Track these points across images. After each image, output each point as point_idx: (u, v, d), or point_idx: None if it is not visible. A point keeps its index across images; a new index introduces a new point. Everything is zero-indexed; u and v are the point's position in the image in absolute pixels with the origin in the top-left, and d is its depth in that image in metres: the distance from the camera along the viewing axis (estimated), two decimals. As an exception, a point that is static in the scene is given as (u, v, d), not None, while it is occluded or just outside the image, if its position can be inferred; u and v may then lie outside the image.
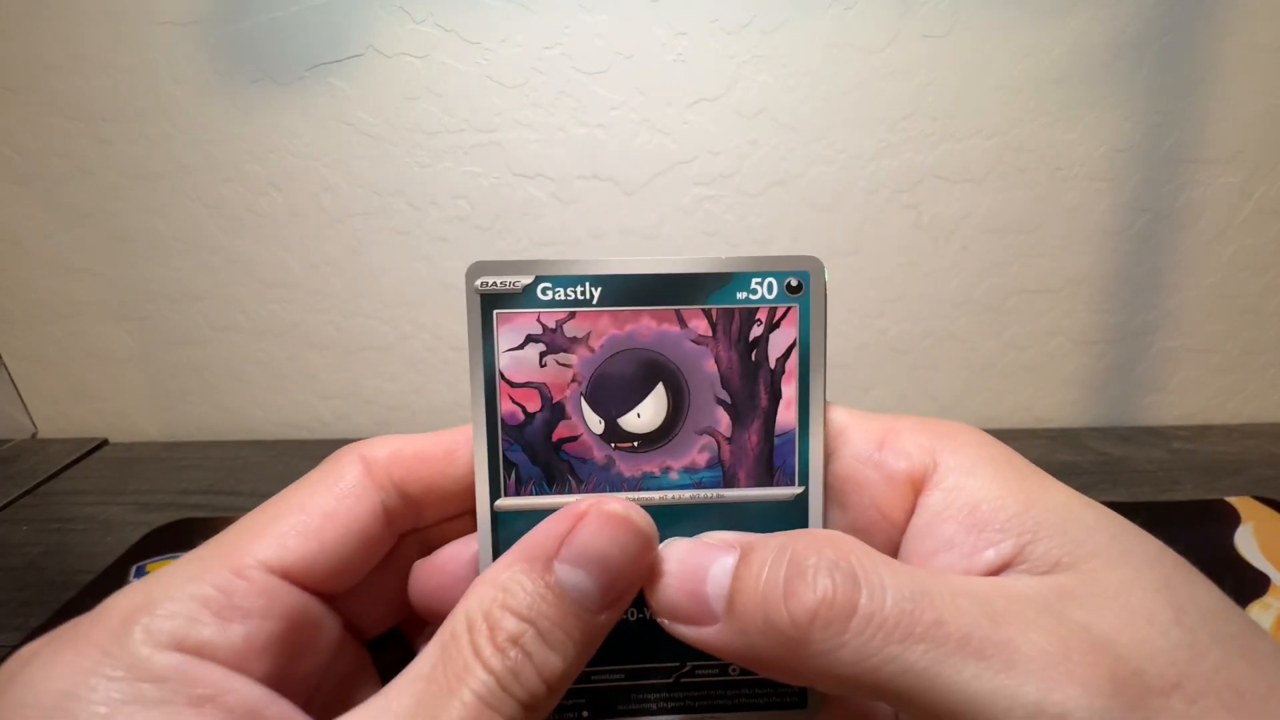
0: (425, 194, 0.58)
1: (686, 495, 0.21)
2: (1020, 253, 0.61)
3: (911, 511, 0.20)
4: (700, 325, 0.20)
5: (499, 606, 0.17)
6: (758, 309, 0.20)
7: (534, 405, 0.20)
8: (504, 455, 0.20)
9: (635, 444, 0.20)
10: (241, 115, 0.56)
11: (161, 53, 0.55)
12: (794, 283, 0.20)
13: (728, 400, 0.21)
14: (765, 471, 0.21)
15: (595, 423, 0.20)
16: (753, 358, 0.20)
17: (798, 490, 0.21)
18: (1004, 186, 0.59)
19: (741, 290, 0.20)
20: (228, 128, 0.57)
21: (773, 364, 0.21)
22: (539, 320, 0.20)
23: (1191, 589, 0.17)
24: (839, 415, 0.21)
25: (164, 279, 0.61)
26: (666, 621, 0.19)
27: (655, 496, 0.21)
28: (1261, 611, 0.41)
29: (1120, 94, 0.57)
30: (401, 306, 0.61)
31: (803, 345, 0.20)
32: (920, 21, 0.55)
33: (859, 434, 0.21)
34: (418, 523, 0.22)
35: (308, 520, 0.19)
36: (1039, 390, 0.65)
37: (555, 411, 0.20)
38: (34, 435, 0.66)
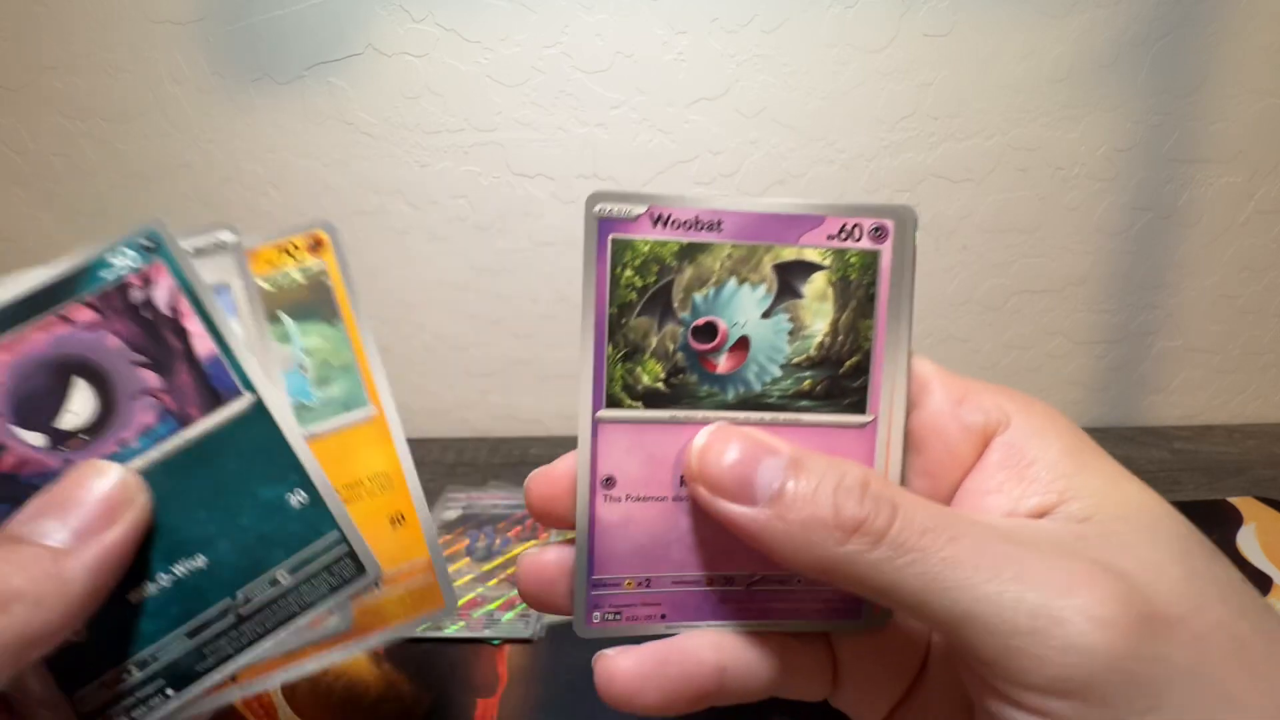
0: (425, 194, 0.58)
1: (155, 454, 0.22)
2: (1021, 253, 0.61)
3: (978, 459, 0.22)
4: (85, 315, 0.21)
5: None
6: (127, 278, 0.22)
7: None
8: None
9: (85, 437, 0.21)
10: (241, 114, 0.56)
11: (161, 52, 0.55)
12: (148, 243, 0.22)
13: (145, 360, 0.22)
14: (210, 398, 0.22)
15: (37, 439, 0.21)
16: (150, 316, 0.22)
17: (250, 398, 0.22)
18: (1005, 186, 0.59)
19: (104, 270, 0.22)
20: (227, 127, 0.57)
21: (167, 311, 0.22)
22: None
23: (1208, 563, 0.18)
24: (924, 368, 0.23)
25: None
26: (703, 490, 0.20)
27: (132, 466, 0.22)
28: (1263, 612, 0.41)
29: (1121, 94, 0.57)
30: (401, 306, 0.61)
31: (185, 286, 0.22)
32: (921, 21, 0.55)
33: (941, 389, 0.22)
34: None
35: None
36: (1040, 390, 0.65)
37: None
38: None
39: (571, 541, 0.22)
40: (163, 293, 0.22)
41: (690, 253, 0.21)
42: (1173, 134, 0.58)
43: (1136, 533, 0.18)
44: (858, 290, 0.22)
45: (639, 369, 0.22)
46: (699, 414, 0.22)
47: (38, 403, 0.21)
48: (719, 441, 0.21)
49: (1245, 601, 0.17)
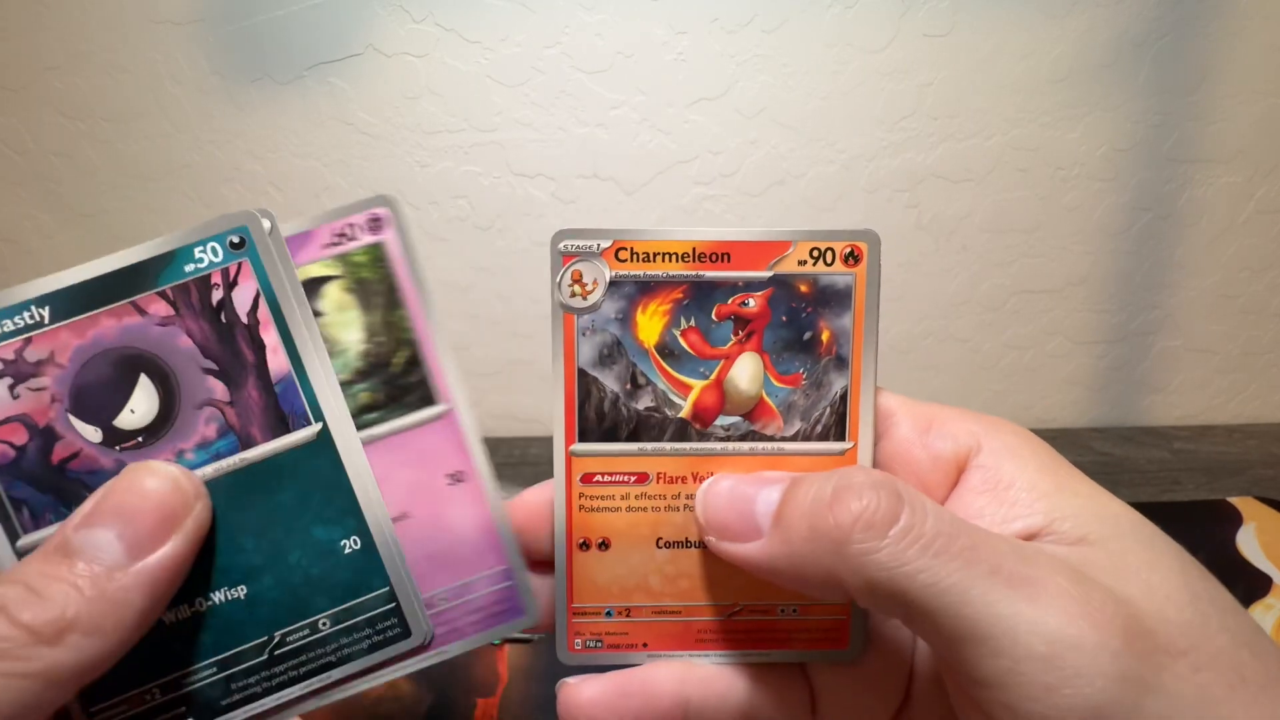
0: (425, 194, 0.58)
1: (209, 470, 0.20)
2: (1021, 253, 0.61)
3: (952, 489, 0.21)
4: (160, 308, 0.20)
5: None
6: (210, 274, 0.20)
7: (20, 438, 0.20)
8: (7, 496, 0.20)
9: (140, 439, 0.20)
10: (241, 115, 0.56)
11: (161, 52, 0.55)
12: (236, 239, 0.21)
13: (214, 367, 0.21)
14: (277, 421, 0.21)
15: (91, 433, 0.20)
16: (224, 319, 0.21)
17: (316, 428, 0.21)
18: (1005, 186, 0.59)
19: (188, 263, 0.20)
20: (228, 127, 0.57)
21: (245, 319, 0.21)
22: None
23: (1206, 583, 0.18)
24: (888, 400, 0.22)
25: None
26: (713, 539, 0.20)
27: None
28: (1264, 613, 0.41)
29: (1121, 94, 0.57)
30: (401, 306, 0.61)
31: (267, 293, 0.21)
32: (921, 21, 0.55)
33: (908, 418, 0.22)
34: None
35: None
36: (1040, 390, 0.65)
37: (46, 435, 0.20)
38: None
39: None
40: (244, 296, 0.21)
41: None
42: (1173, 134, 0.58)
43: (1136, 555, 0.18)
44: (377, 287, 0.21)
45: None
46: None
47: (99, 395, 0.20)
48: (717, 486, 0.21)
49: (1244, 626, 0.17)
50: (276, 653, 0.21)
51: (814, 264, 0.21)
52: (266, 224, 0.21)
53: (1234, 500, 0.50)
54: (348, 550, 0.21)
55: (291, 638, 0.21)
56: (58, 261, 0.62)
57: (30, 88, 0.55)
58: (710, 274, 0.21)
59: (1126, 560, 0.18)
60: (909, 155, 0.58)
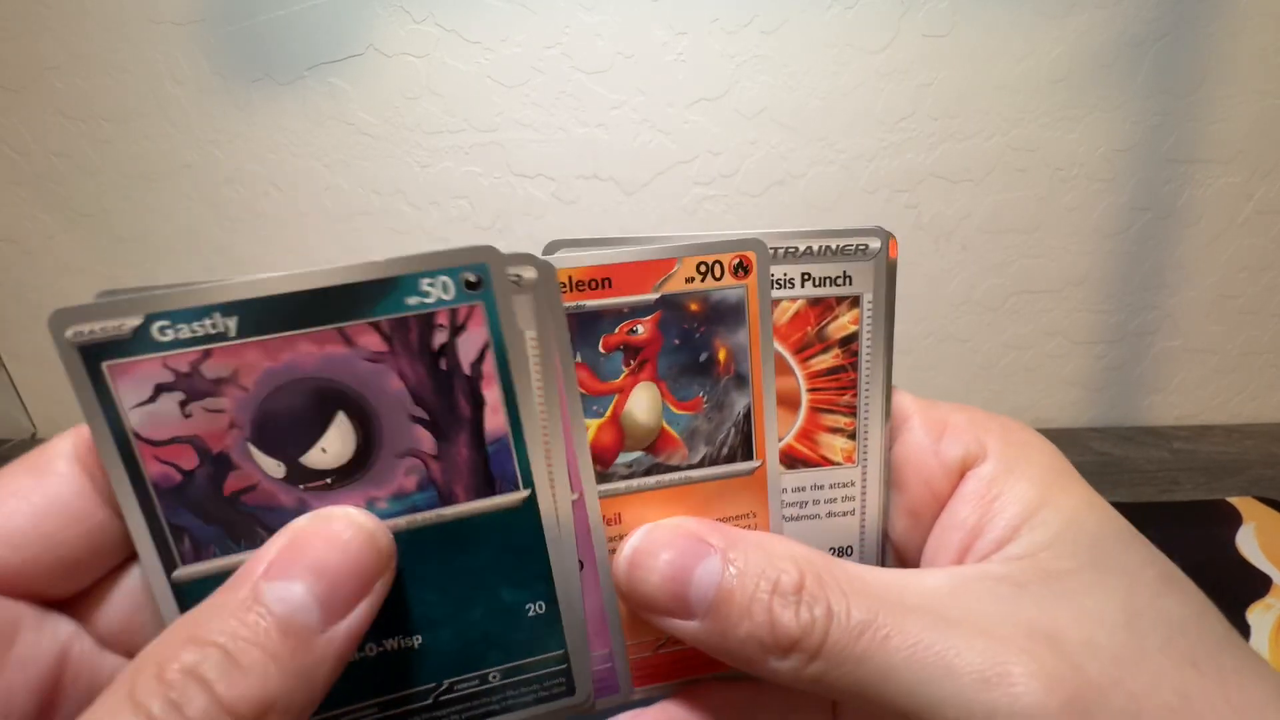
0: (425, 194, 0.58)
1: (403, 522, 0.19)
2: (1020, 253, 0.61)
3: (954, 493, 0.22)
4: (371, 341, 0.18)
5: (181, 639, 0.15)
6: (435, 313, 0.18)
7: (189, 462, 0.18)
8: (168, 523, 0.18)
9: (329, 480, 0.18)
10: (242, 115, 0.56)
11: (161, 53, 0.55)
12: (471, 278, 0.18)
13: (424, 416, 0.19)
14: (484, 482, 0.19)
15: (273, 466, 0.18)
16: (443, 366, 0.18)
17: (524, 494, 0.20)
18: (1004, 187, 0.59)
19: (411, 295, 0.18)
20: (228, 127, 0.57)
21: (467, 369, 0.18)
22: (166, 366, 0.17)
23: (1160, 600, 0.18)
24: (904, 402, 0.22)
25: (164, 279, 0.61)
26: (644, 612, 0.20)
27: None
28: (1263, 612, 0.41)
29: (1120, 94, 0.57)
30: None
31: (498, 345, 0.18)
32: (921, 21, 0.55)
33: (922, 422, 0.22)
34: None
35: None
36: (1039, 390, 0.65)
37: (219, 463, 0.18)
38: (34, 435, 0.66)
39: None
40: (471, 345, 0.18)
41: None
42: (1172, 134, 0.58)
43: (1082, 574, 0.18)
44: None
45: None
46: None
47: (287, 427, 0.18)
48: (649, 561, 0.19)
49: (1191, 643, 0.17)
50: (442, 699, 0.20)
51: (702, 280, 0.20)
52: (531, 272, 0.19)
53: (1233, 500, 0.50)
54: (531, 614, 0.20)
55: (460, 686, 0.20)
56: (58, 261, 0.62)
57: (30, 88, 0.55)
58: (591, 303, 0.19)
59: (1066, 585, 0.18)
60: (909, 155, 0.58)
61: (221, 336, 0.17)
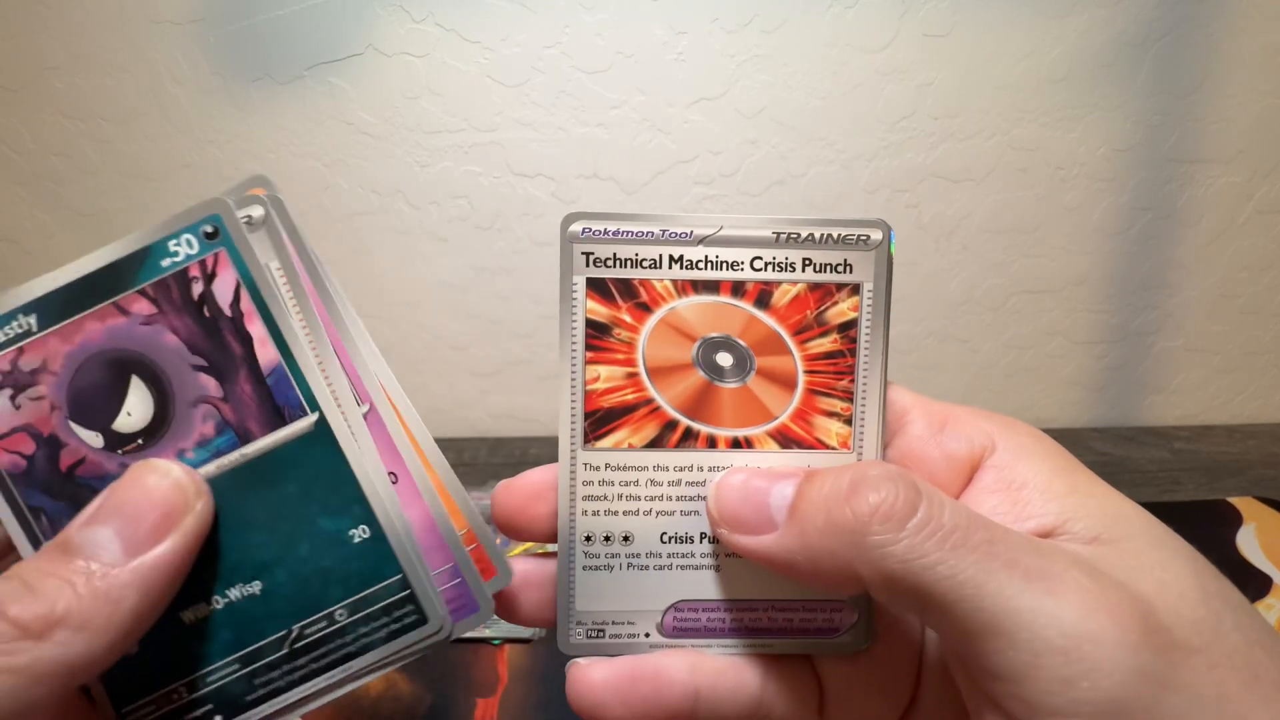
0: (425, 194, 0.58)
1: (212, 468, 0.20)
2: (1021, 253, 0.61)
3: (965, 488, 0.21)
4: (142, 307, 0.20)
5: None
6: (188, 268, 0.20)
7: (28, 448, 0.20)
8: (26, 505, 0.20)
9: (140, 441, 0.20)
10: (241, 115, 0.56)
11: (161, 52, 0.55)
12: (209, 229, 0.20)
13: (203, 363, 0.20)
14: (273, 414, 0.21)
15: (93, 438, 0.20)
16: (207, 313, 0.20)
17: (313, 418, 0.21)
18: (1004, 186, 0.59)
19: (164, 257, 0.20)
20: (228, 127, 0.57)
21: (228, 311, 0.20)
22: None
23: (1219, 583, 0.18)
24: (903, 397, 0.22)
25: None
26: (725, 532, 0.20)
27: None
28: (1264, 613, 0.41)
29: (1121, 94, 0.57)
30: (402, 306, 0.61)
31: (248, 282, 0.20)
32: (921, 21, 0.55)
33: (922, 416, 0.22)
34: None
35: None
36: (1040, 390, 0.65)
37: (51, 444, 0.20)
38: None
39: (552, 554, 0.22)
40: (225, 288, 0.20)
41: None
42: (1172, 134, 0.58)
43: (1150, 554, 0.18)
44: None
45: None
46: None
47: (95, 400, 0.20)
48: (730, 479, 0.21)
49: (1256, 626, 0.17)
50: (296, 646, 0.21)
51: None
52: (259, 210, 0.21)
53: (1234, 500, 0.50)
54: (357, 540, 0.21)
55: (310, 630, 0.21)
56: (58, 262, 0.62)
57: (30, 88, 0.55)
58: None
59: (1140, 559, 0.18)
60: (909, 155, 0.58)
61: (28, 333, 0.20)
